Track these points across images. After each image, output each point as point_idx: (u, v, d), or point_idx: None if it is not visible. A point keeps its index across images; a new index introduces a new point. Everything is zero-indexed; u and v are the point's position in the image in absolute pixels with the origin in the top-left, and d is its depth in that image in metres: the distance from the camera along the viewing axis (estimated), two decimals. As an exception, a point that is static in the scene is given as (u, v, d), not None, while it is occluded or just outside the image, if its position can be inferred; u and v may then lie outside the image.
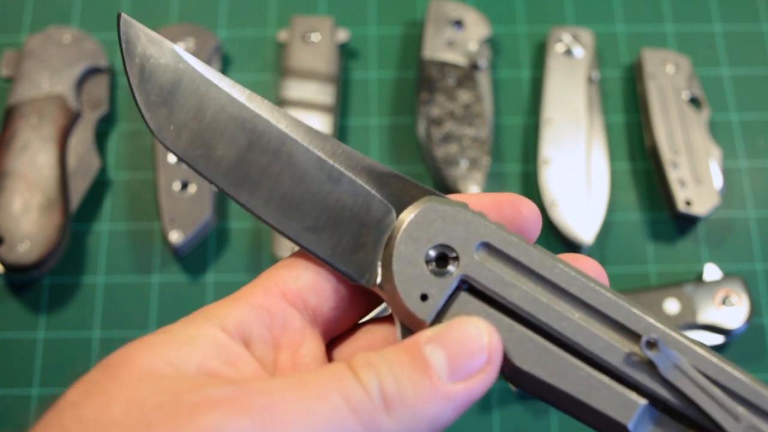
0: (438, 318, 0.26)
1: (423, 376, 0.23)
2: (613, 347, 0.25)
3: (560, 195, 0.63)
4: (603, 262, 0.63)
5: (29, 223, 0.59)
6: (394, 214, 0.27)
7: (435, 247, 0.26)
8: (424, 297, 0.26)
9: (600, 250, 0.64)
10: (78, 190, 0.62)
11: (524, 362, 0.25)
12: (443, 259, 0.26)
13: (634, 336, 0.25)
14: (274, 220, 0.27)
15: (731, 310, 0.58)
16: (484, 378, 0.24)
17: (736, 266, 0.63)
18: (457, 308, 0.26)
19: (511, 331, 0.25)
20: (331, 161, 0.28)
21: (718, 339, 0.59)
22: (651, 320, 0.25)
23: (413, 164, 0.66)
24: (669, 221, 0.65)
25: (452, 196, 0.28)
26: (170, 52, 0.28)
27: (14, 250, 0.58)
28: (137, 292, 0.62)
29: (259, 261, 0.63)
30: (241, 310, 0.26)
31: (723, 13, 0.72)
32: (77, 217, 0.63)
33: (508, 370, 0.25)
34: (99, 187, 0.65)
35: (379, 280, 0.27)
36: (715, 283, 0.59)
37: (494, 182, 0.65)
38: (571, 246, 0.63)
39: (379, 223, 0.27)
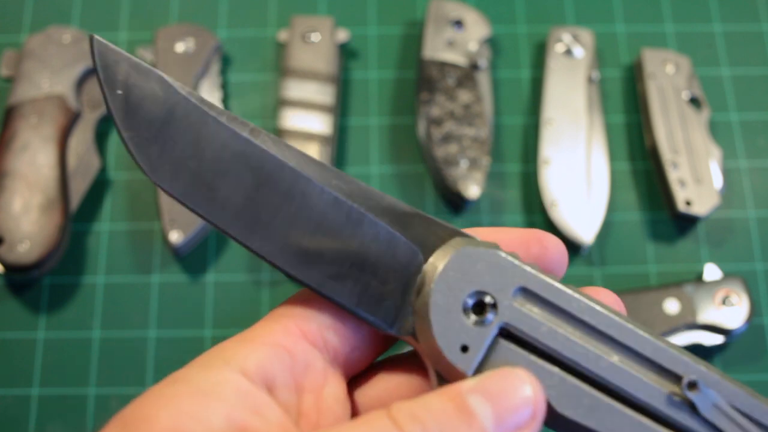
0: (479, 368, 0.25)
1: (470, 428, 0.22)
2: (654, 389, 0.25)
3: (560, 195, 0.63)
4: (603, 262, 0.63)
5: (29, 223, 0.59)
6: (421, 257, 0.26)
7: (471, 295, 0.25)
8: (464, 348, 0.25)
9: (600, 250, 0.64)
10: (78, 190, 0.62)
11: (567, 409, 0.25)
12: (480, 305, 0.25)
13: (673, 377, 0.25)
14: (292, 268, 0.25)
15: (731, 310, 0.58)
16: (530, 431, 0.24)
17: (736, 266, 0.63)
18: (497, 356, 0.25)
19: (552, 377, 0.25)
20: (349, 201, 0.26)
21: (718, 339, 0.59)
22: (689, 360, 0.25)
23: (413, 164, 0.66)
24: (669, 221, 0.65)
25: (479, 232, 0.27)
26: (158, 81, 0.25)
27: (14, 250, 0.58)
28: (137, 292, 0.62)
29: (259, 261, 0.63)
30: (261, 352, 0.24)
31: (723, 13, 0.72)
32: (77, 217, 0.63)
33: (550, 417, 0.25)
34: (99, 187, 0.65)
35: (412, 329, 0.26)
36: (715, 283, 0.59)
37: (494, 182, 0.65)
38: (572, 246, 0.63)
39: (406, 267, 0.26)
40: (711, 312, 0.58)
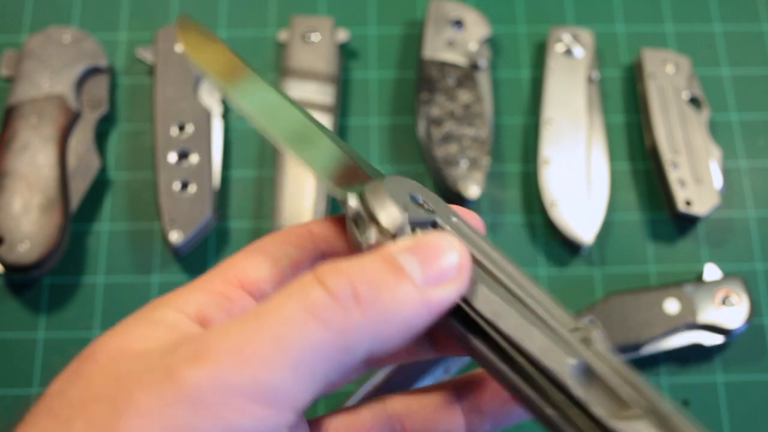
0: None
1: (398, 278, 0.23)
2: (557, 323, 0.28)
3: (560, 195, 0.63)
4: (603, 262, 0.63)
5: (29, 223, 0.59)
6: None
7: (412, 197, 0.28)
8: (405, 208, 0.26)
9: (600, 250, 0.64)
10: (78, 190, 0.62)
11: (481, 305, 0.26)
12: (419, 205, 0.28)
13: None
14: None
15: (731, 310, 0.58)
16: (456, 285, 0.24)
17: (736, 266, 0.63)
18: None
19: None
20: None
21: (718, 339, 0.59)
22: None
23: (413, 164, 0.66)
24: (669, 221, 0.65)
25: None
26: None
27: (14, 250, 0.58)
28: (137, 292, 0.62)
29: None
30: (200, 296, 0.25)
31: (723, 13, 0.72)
32: (77, 217, 0.63)
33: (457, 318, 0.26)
34: (99, 187, 0.65)
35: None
36: (715, 283, 0.59)
37: (494, 182, 0.65)
38: (572, 246, 0.63)
39: None
40: (711, 312, 0.58)
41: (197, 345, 0.22)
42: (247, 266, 0.27)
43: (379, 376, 0.56)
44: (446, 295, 0.24)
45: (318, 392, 0.23)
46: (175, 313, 0.25)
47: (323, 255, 0.28)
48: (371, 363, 0.29)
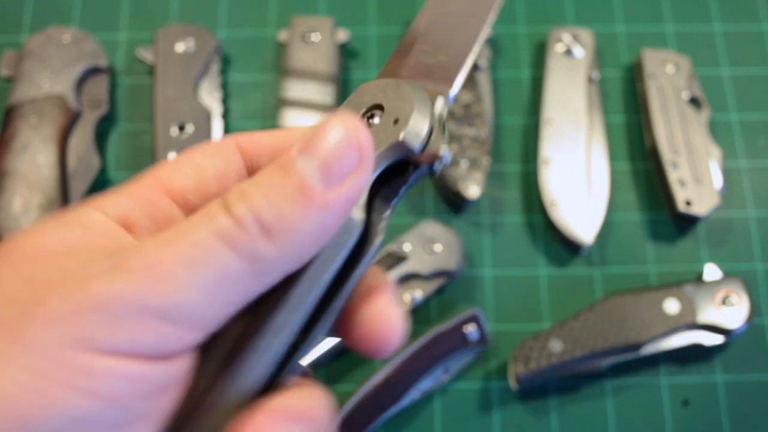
0: None
1: (298, 192, 0.23)
2: None
3: (560, 195, 0.63)
4: (603, 262, 0.63)
5: (29, 223, 0.59)
6: None
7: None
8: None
9: (600, 250, 0.64)
10: (78, 190, 0.62)
11: None
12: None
13: None
14: None
15: (731, 310, 0.58)
16: (359, 177, 0.24)
17: (736, 266, 0.63)
18: None
19: None
20: None
21: (718, 339, 0.59)
22: None
23: (413, 164, 0.66)
24: (669, 221, 0.65)
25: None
26: None
27: (14, 250, 0.58)
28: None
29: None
30: (124, 200, 0.25)
31: (723, 13, 0.72)
32: (77, 217, 0.63)
33: None
34: (99, 187, 0.65)
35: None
36: (715, 283, 0.59)
37: (494, 182, 0.65)
38: (572, 246, 0.63)
39: None
40: (711, 312, 0.58)
41: (114, 260, 0.22)
42: (173, 175, 0.27)
43: (378, 377, 0.56)
44: (350, 192, 0.24)
45: (232, 314, 0.23)
46: (97, 215, 0.25)
47: (249, 169, 0.28)
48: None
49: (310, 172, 0.23)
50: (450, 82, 0.29)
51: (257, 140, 0.29)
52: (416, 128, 0.27)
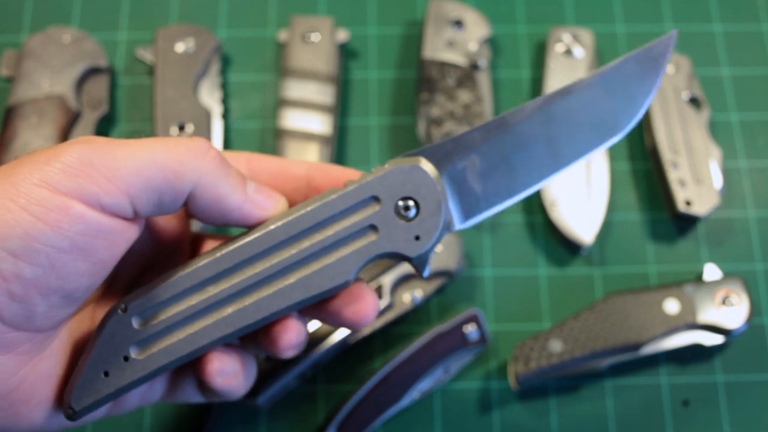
0: None
1: (242, 183, 0.35)
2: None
3: (560, 195, 0.63)
4: (603, 262, 0.63)
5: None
6: None
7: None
8: None
9: (600, 250, 0.64)
10: (78, 190, 0.62)
11: None
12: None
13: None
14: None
15: (731, 310, 0.58)
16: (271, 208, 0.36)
17: (736, 266, 0.63)
18: None
19: None
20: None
21: (718, 339, 0.59)
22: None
23: (413, 164, 0.66)
24: (669, 221, 0.65)
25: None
26: None
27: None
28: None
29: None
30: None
31: (723, 13, 0.72)
32: (77, 217, 0.63)
33: None
34: (99, 187, 0.65)
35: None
36: (715, 283, 0.59)
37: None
38: (572, 246, 0.63)
39: None
40: (711, 312, 0.58)
41: (83, 138, 0.31)
42: None
43: (378, 376, 0.56)
44: (263, 204, 0.35)
45: (156, 205, 0.32)
46: None
47: None
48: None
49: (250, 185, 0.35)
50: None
51: (264, 161, 0.38)
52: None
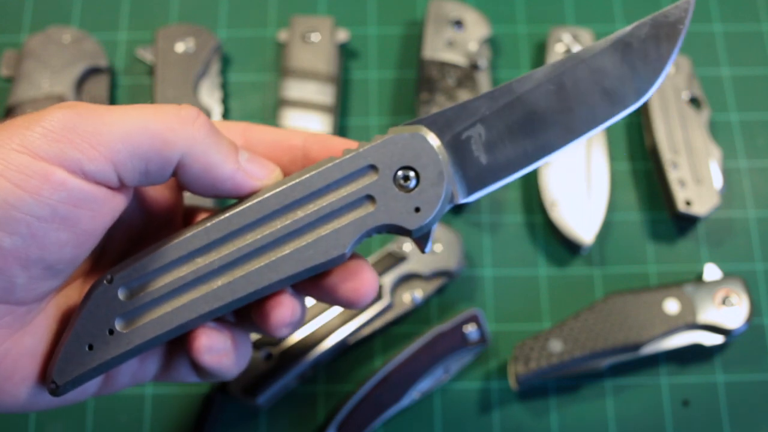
0: None
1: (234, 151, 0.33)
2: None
3: (560, 195, 0.63)
4: (603, 262, 0.63)
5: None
6: None
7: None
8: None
9: (600, 250, 0.64)
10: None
11: None
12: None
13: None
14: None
15: (731, 310, 0.58)
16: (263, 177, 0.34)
17: (736, 266, 0.63)
18: None
19: None
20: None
21: (718, 339, 0.59)
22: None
23: (413, 164, 0.66)
24: (669, 221, 0.65)
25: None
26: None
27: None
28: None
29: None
30: None
31: (723, 14, 0.72)
32: (77, 217, 0.63)
33: None
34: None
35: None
36: (715, 283, 0.59)
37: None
38: (572, 246, 0.63)
39: None
40: (711, 312, 0.58)
41: (68, 102, 0.30)
42: None
43: (378, 376, 0.56)
44: (256, 174, 0.34)
45: (140, 175, 0.31)
46: None
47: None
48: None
49: (242, 155, 0.34)
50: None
51: (261, 131, 0.36)
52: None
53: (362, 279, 0.34)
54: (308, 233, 0.32)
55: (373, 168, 0.32)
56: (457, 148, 0.33)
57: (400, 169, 0.32)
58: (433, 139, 0.33)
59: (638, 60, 0.34)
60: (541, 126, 0.33)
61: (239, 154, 0.33)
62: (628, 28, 0.34)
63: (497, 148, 0.33)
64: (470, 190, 0.34)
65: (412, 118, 0.68)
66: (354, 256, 0.35)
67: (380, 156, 0.32)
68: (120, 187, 0.31)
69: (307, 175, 0.32)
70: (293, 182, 0.32)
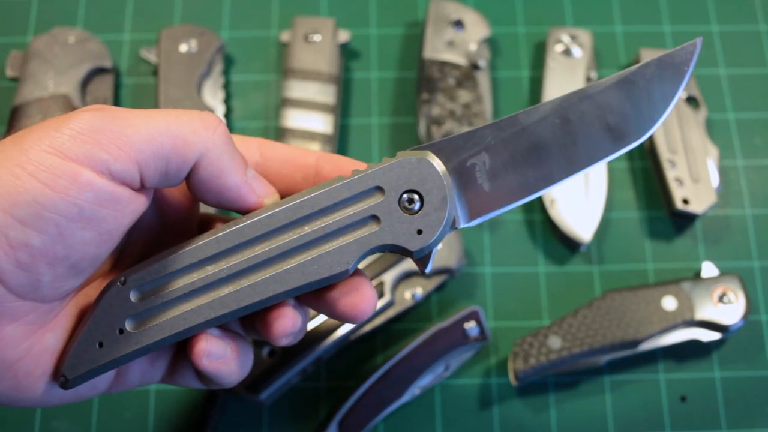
0: None
1: (244, 166, 0.35)
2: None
3: (559, 193, 0.63)
4: (601, 259, 0.64)
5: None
6: None
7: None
8: None
9: (598, 247, 0.64)
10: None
11: None
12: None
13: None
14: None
15: (728, 308, 0.59)
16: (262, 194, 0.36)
17: (733, 264, 0.64)
18: None
19: None
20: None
21: (715, 336, 0.59)
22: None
23: (414, 163, 0.67)
24: (666, 219, 0.65)
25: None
26: None
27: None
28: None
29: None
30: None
31: (720, 14, 0.73)
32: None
33: None
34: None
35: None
36: (713, 281, 0.60)
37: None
38: (570, 243, 0.64)
39: None
40: (708, 309, 0.59)
41: (94, 105, 0.31)
42: None
43: (379, 373, 0.57)
44: (259, 190, 0.35)
45: (161, 176, 0.32)
46: None
47: (261, 167, 0.38)
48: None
49: (250, 172, 0.35)
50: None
51: (276, 148, 0.38)
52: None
53: (362, 295, 0.35)
54: (314, 248, 0.34)
55: (379, 189, 0.34)
56: (462, 174, 0.35)
57: (406, 192, 0.33)
58: (439, 165, 0.34)
59: (642, 99, 0.35)
60: (545, 157, 0.35)
61: (247, 170, 0.35)
62: (635, 67, 0.35)
63: (500, 176, 0.35)
64: (472, 216, 0.35)
65: (413, 118, 0.68)
66: (356, 272, 0.36)
67: (387, 178, 0.33)
68: (141, 188, 0.32)
69: (316, 193, 0.34)
70: (303, 198, 0.34)
